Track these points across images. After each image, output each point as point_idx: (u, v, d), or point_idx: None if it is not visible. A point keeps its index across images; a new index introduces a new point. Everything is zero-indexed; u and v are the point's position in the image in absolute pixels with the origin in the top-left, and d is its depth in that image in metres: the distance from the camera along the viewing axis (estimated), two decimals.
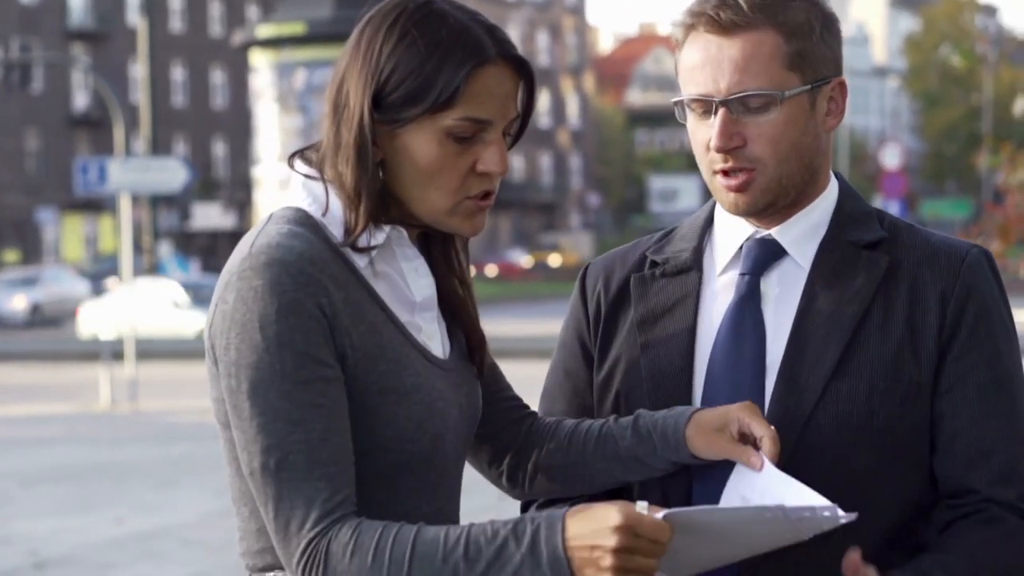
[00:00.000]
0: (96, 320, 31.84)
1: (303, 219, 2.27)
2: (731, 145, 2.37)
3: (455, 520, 2.33)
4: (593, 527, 2.05)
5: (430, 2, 2.28)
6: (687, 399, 2.42)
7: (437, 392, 2.29)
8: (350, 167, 2.25)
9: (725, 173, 2.40)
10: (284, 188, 15.49)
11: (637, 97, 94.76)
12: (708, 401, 2.40)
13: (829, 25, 2.43)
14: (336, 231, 2.27)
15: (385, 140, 2.26)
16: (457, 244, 2.42)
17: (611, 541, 2.03)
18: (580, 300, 2.58)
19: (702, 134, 2.41)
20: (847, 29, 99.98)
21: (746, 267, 2.46)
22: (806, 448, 2.32)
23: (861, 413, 2.34)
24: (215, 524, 10.82)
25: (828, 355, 2.36)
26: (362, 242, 2.26)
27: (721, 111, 2.37)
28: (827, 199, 2.48)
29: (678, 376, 2.44)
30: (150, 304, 30.13)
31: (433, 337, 2.35)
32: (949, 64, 75.41)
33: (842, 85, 2.45)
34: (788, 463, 2.30)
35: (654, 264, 2.54)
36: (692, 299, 2.47)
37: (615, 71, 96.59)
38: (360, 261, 2.27)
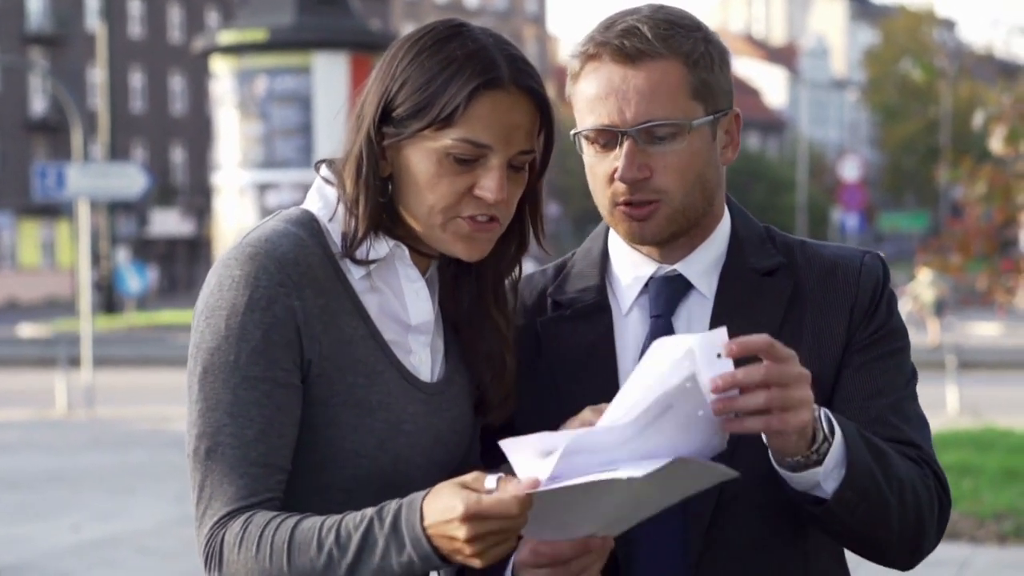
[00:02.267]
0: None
1: (306, 221, 2.29)
2: (639, 176, 2.35)
3: None
4: (446, 516, 2.02)
5: (460, 25, 2.29)
6: None
7: (407, 414, 2.29)
8: (350, 175, 2.27)
9: (628, 204, 2.37)
10: (243, 196, 15.43)
11: None
12: None
13: (724, 58, 2.43)
14: (339, 239, 2.28)
15: (392, 153, 2.27)
16: (507, 272, 2.42)
17: (462, 532, 2.01)
18: None
19: (603, 166, 2.38)
20: (807, 41, 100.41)
21: (657, 308, 2.44)
22: (731, 482, 2.15)
23: None
24: (172, 532, 10.77)
25: None
26: (360, 253, 2.27)
27: (627, 142, 2.34)
28: (723, 227, 2.48)
29: None
30: None
31: (424, 360, 2.34)
32: (908, 77, 75.79)
33: (737, 117, 2.46)
34: (717, 498, 2.31)
35: (558, 305, 2.50)
36: (607, 342, 2.45)
37: None
38: (356, 272, 2.28)
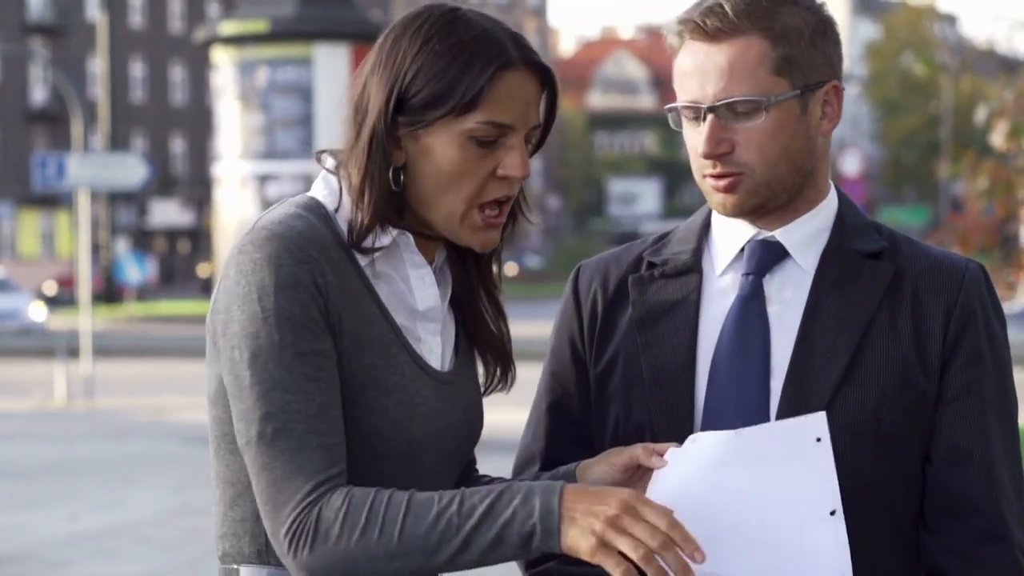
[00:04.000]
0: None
1: (314, 206, 2.29)
2: (719, 151, 2.38)
3: None
4: (596, 496, 2.07)
5: (455, 9, 2.30)
6: (689, 397, 2.41)
7: (421, 397, 2.28)
8: (357, 166, 2.27)
9: (713, 176, 2.41)
10: (243, 187, 15.39)
11: (598, 100, 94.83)
12: (712, 399, 2.41)
13: (824, 30, 2.43)
14: (344, 229, 2.28)
15: (408, 143, 2.27)
16: (492, 258, 2.43)
17: (608, 511, 2.05)
18: (573, 301, 2.57)
19: (693, 139, 2.42)
20: None
21: (750, 267, 2.45)
22: None
23: (868, 420, 2.35)
24: (170, 522, 10.78)
25: (837, 360, 2.36)
26: (367, 243, 2.27)
27: (709, 117, 2.37)
28: (828, 207, 2.49)
29: (680, 374, 2.42)
30: None
31: (433, 349, 2.35)
32: (909, 72, 75.77)
33: (836, 89, 2.46)
34: None
35: (652, 265, 2.53)
36: (693, 299, 2.47)
37: (576, 74, 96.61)
38: (362, 260, 2.28)
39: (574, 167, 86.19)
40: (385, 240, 2.29)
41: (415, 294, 2.32)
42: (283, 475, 2.15)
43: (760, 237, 2.46)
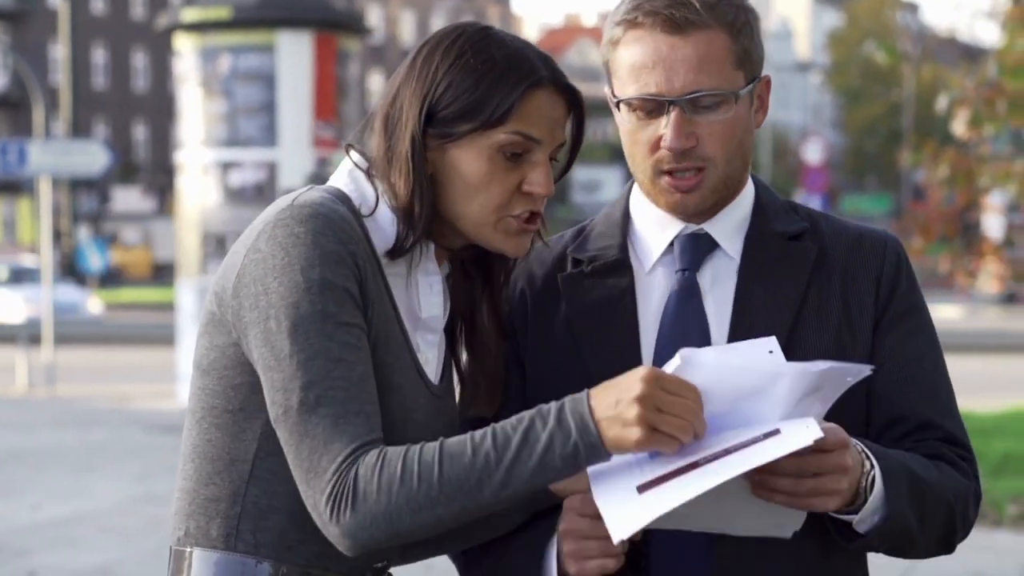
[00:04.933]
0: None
1: (344, 199, 2.32)
2: (687, 145, 2.38)
3: None
4: (618, 385, 2.09)
5: (487, 28, 2.36)
6: None
7: (418, 404, 2.32)
8: (403, 178, 2.30)
9: (671, 173, 2.41)
10: (206, 174, 15.27)
11: None
12: None
13: (757, 25, 2.47)
14: (377, 236, 2.31)
15: (435, 155, 2.32)
16: (500, 266, 2.47)
17: (635, 390, 2.07)
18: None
19: (646, 133, 2.41)
20: (771, 24, 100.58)
21: (683, 263, 2.48)
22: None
23: None
24: (133, 510, 10.74)
25: None
26: (405, 249, 2.32)
27: (675, 111, 2.37)
28: (747, 193, 2.53)
29: (627, 371, 2.43)
30: None
31: (430, 360, 2.38)
32: (872, 60, 76.01)
33: (767, 82, 2.49)
34: None
35: (578, 262, 2.53)
36: (629, 296, 2.48)
37: None
38: (383, 262, 2.32)
39: None
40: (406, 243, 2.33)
41: (420, 300, 2.36)
42: (325, 441, 2.15)
43: (688, 231, 2.48)
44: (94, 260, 38.64)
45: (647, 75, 2.38)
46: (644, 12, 2.39)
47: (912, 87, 65.40)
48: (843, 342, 2.43)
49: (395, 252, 2.31)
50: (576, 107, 2.39)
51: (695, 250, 2.48)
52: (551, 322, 2.50)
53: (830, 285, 2.46)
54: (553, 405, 2.12)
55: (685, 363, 2.13)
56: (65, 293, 31.59)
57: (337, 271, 2.20)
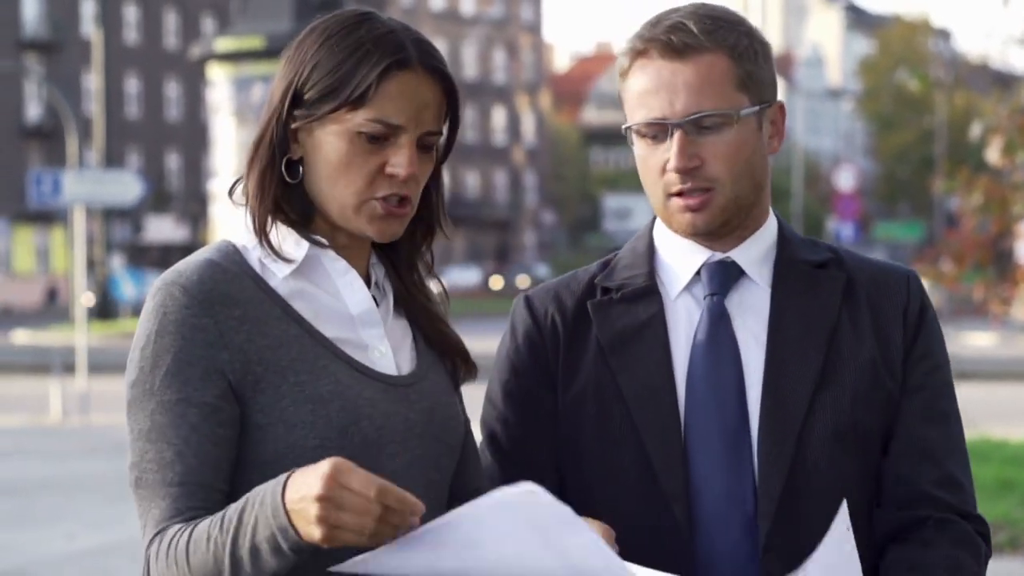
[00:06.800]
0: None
1: (221, 247, 2.34)
2: (690, 165, 2.42)
3: None
4: (306, 478, 2.02)
5: (366, 13, 2.34)
6: (674, 415, 2.46)
7: (365, 400, 2.29)
8: (250, 158, 2.34)
9: (681, 194, 2.44)
10: (238, 203, 15.40)
11: (593, 115, 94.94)
12: (693, 415, 2.45)
13: (766, 52, 2.51)
14: (274, 267, 2.32)
15: (304, 137, 2.32)
16: (417, 258, 2.46)
17: (316, 489, 2.00)
18: (533, 325, 2.57)
19: (655, 158, 2.45)
20: (803, 50, 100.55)
21: (711, 288, 2.51)
22: (802, 459, 2.41)
23: (846, 421, 2.43)
24: None
25: (809, 366, 2.44)
26: (274, 240, 2.31)
27: (678, 133, 2.42)
28: (772, 224, 2.57)
29: (661, 396, 2.47)
30: None
31: (384, 354, 2.36)
32: (904, 87, 75.85)
33: (782, 108, 2.54)
34: (787, 477, 2.39)
35: (607, 290, 2.56)
36: (659, 321, 2.51)
37: (571, 89, 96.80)
38: (280, 272, 2.31)
39: (569, 182, 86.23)
40: (299, 253, 2.32)
41: (346, 300, 2.35)
42: (144, 521, 2.23)
43: (715, 259, 2.52)
44: (127, 289, 38.78)
45: (651, 100, 2.44)
46: (645, 40, 2.45)
47: (944, 114, 65.24)
48: (876, 367, 2.47)
49: (260, 237, 2.31)
50: (450, 94, 2.34)
51: (723, 277, 2.51)
52: (583, 348, 2.53)
53: (860, 313, 2.50)
54: (268, 486, 2.07)
55: None
56: None
57: (172, 343, 2.23)
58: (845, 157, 75.06)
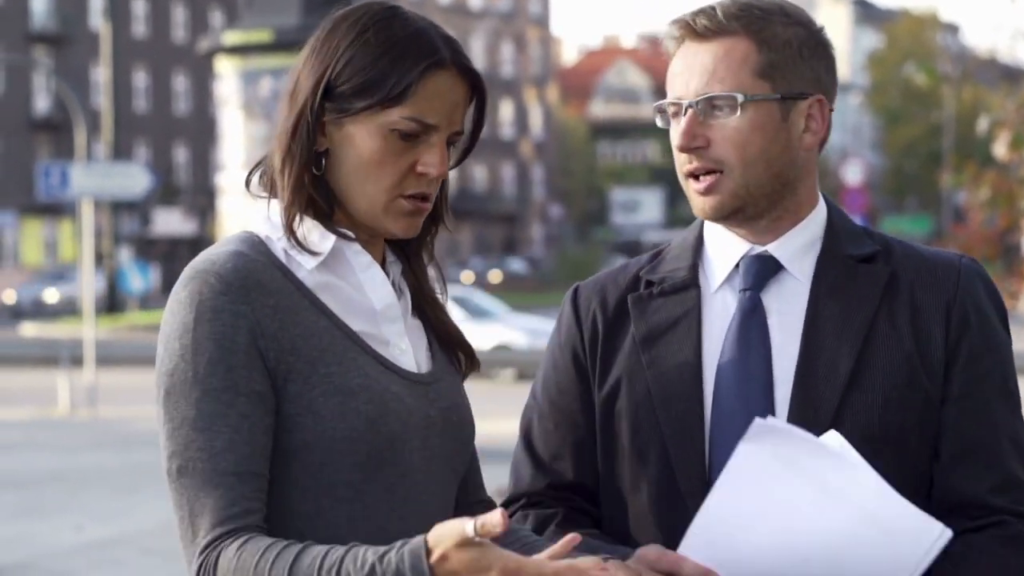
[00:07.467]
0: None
1: (246, 238, 2.33)
2: (694, 144, 2.43)
3: None
4: (475, 560, 2.01)
5: (394, 7, 2.33)
6: (698, 412, 2.44)
7: (392, 394, 2.30)
8: (279, 149, 2.33)
9: (694, 177, 2.45)
10: (246, 196, 15.35)
11: (600, 109, 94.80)
12: (719, 413, 2.43)
13: (815, 46, 2.48)
14: (301, 259, 2.31)
15: (332, 130, 2.31)
16: (423, 253, 2.46)
17: None
18: (574, 319, 2.58)
19: (674, 139, 2.47)
20: None
21: (747, 283, 2.49)
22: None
23: (877, 424, 2.38)
24: (175, 532, 10.76)
25: (842, 366, 2.40)
26: (299, 233, 2.30)
27: (689, 112, 2.43)
28: (818, 216, 2.53)
29: (687, 392, 2.45)
30: None
31: (405, 351, 2.36)
32: (911, 81, 75.74)
33: (822, 104, 2.48)
34: None
35: (649, 284, 2.56)
36: (694, 316, 2.50)
37: (579, 83, 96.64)
38: (307, 264, 2.31)
39: (576, 176, 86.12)
40: (326, 245, 2.32)
41: (369, 294, 2.35)
42: (191, 512, 2.21)
43: (754, 252, 2.50)
44: (135, 282, 38.80)
45: (675, 81, 2.47)
46: (678, 25, 2.48)
47: (952, 108, 65.17)
48: (913, 368, 2.40)
49: (287, 230, 2.30)
50: (478, 92, 2.36)
51: (759, 271, 2.49)
52: (620, 342, 2.53)
53: (900, 309, 2.43)
54: (394, 554, 2.06)
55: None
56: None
57: (211, 330, 2.21)
58: (853, 151, 74.86)
